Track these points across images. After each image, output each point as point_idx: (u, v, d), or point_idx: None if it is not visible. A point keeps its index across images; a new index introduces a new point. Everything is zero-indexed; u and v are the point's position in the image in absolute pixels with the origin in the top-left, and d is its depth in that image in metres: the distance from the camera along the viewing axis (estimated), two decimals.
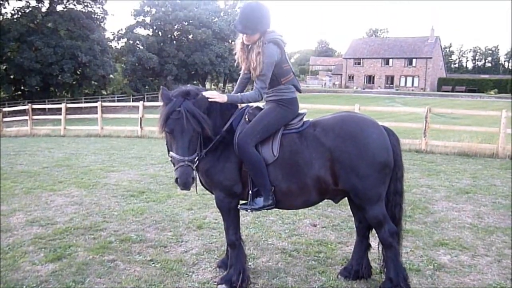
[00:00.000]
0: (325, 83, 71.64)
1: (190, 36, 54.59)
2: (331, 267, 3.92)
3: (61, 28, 42.38)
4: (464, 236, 4.73)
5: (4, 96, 41.96)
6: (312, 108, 12.66)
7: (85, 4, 45.11)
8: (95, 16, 46.08)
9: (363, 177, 3.18)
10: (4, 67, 40.63)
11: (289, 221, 5.22)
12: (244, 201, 3.49)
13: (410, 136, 12.47)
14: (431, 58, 57.81)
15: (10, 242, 4.55)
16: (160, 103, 3.23)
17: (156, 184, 7.31)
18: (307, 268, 3.92)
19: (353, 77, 64.19)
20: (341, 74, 66.36)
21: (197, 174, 3.38)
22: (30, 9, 41.90)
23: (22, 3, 49.80)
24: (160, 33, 54.34)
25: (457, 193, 6.61)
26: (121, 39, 53.41)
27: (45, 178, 7.83)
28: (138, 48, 50.61)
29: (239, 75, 3.65)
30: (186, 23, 53.68)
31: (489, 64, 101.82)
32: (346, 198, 3.59)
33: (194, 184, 3.16)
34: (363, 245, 3.70)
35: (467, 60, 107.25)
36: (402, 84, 59.83)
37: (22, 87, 43.49)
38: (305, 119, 3.49)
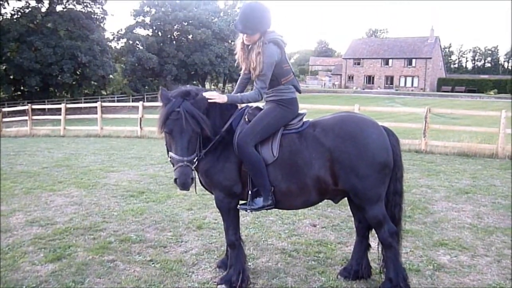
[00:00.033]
0: (324, 83, 71.64)
1: (190, 36, 54.58)
2: (331, 267, 3.93)
3: (61, 28, 42.32)
4: (463, 236, 4.73)
5: (4, 96, 41.89)
6: (312, 108, 12.65)
7: (85, 4, 45.08)
8: (95, 16, 46.03)
9: (362, 177, 3.18)
10: (4, 67, 40.55)
11: (288, 221, 5.22)
12: (243, 201, 3.49)
13: (410, 136, 12.48)
14: (430, 58, 57.79)
15: (10, 242, 4.55)
16: (159, 104, 3.23)
17: (155, 184, 7.31)
18: (307, 268, 3.92)
19: (352, 77, 64.19)
20: (341, 75, 66.36)
21: (196, 174, 3.39)
22: (29, 9, 41.84)
23: (22, 3, 49.88)
24: (159, 33, 54.32)
25: (457, 193, 6.61)
26: (121, 39, 53.39)
27: (44, 178, 7.83)
28: (137, 48, 50.57)
29: (239, 75, 3.65)
30: (186, 23, 53.66)
31: (489, 64, 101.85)
32: (345, 198, 3.59)
33: (193, 185, 3.16)
34: (362, 245, 3.70)
35: (467, 60, 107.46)
36: (402, 84, 59.82)
37: (22, 87, 43.42)
38: (304, 119, 3.49)
